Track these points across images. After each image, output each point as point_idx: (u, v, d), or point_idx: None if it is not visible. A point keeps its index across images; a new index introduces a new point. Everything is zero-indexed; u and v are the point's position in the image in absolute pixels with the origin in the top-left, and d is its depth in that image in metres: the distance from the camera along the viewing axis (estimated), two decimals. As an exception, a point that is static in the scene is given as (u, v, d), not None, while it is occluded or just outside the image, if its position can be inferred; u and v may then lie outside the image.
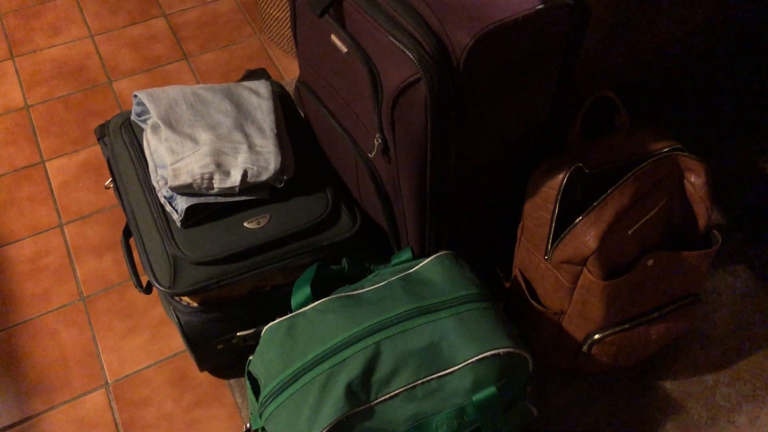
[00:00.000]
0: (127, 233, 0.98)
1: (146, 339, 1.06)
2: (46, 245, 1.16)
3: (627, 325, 0.89)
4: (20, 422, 0.98)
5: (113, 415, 0.99)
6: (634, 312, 0.89)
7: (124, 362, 1.03)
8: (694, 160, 0.85)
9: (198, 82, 1.41)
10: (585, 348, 0.90)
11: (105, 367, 1.03)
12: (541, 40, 0.71)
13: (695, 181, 0.85)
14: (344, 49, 0.76)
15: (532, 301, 0.91)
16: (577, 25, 0.73)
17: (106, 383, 1.01)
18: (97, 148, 1.29)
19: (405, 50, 0.67)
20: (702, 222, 0.87)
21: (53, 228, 1.18)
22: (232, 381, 1.01)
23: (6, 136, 1.31)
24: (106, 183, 1.01)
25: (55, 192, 1.23)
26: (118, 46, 1.48)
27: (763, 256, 1.13)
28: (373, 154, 0.80)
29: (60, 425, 0.97)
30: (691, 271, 0.88)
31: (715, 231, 0.88)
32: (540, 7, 0.68)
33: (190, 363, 1.03)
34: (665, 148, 0.86)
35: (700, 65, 0.93)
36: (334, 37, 0.78)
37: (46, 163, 1.27)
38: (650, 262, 0.84)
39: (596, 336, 0.88)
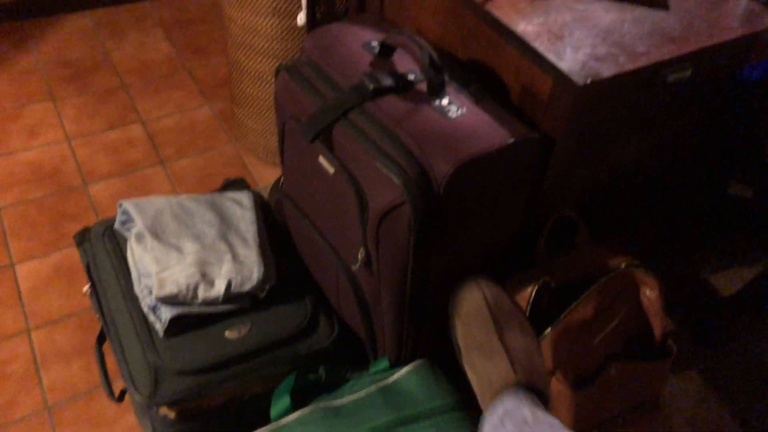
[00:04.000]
0: (101, 340, 0.98)
1: (113, 450, 1.03)
2: (11, 352, 1.14)
3: (594, 432, 0.92)
4: None
5: None
6: (601, 418, 0.93)
7: (88, 475, 1.00)
8: (648, 276, 0.92)
9: (174, 188, 1.45)
10: (555, 455, 0.93)
11: (68, 481, 0.99)
12: (511, 168, 0.79)
13: (650, 294, 0.93)
14: (331, 171, 0.82)
15: (503, 409, 0.94)
16: (543, 155, 0.81)
17: (69, 498, 0.98)
18: (70, 251, 1.30)
19: (392, 176, 0.74)
20: (658, 332, 0.94)
21: (20, 334, 1.16)
22: (203, 494, 0.98)
23: (-25, 238, 1.31)
24: (84, 289, 1.02)
25: (23, 296, 1.22)
26: (94, 150, 1.52)
27: (710, 361, 1.20)
28: (357, 266, 0.85)
29: None
30: (650, 379, 0.94)
31: (670, 340, 0.95)
32: (511, 140, 0.76)
33: (158, 475, 1.01)
34: (622, 263, 0.93)
35: (649, 186, 1.03)
36: (321, 159, 0.84)
37: (16, 267, 1.27)
38: (613, 371, 0.89)
39: (566, 443, 0.92)
